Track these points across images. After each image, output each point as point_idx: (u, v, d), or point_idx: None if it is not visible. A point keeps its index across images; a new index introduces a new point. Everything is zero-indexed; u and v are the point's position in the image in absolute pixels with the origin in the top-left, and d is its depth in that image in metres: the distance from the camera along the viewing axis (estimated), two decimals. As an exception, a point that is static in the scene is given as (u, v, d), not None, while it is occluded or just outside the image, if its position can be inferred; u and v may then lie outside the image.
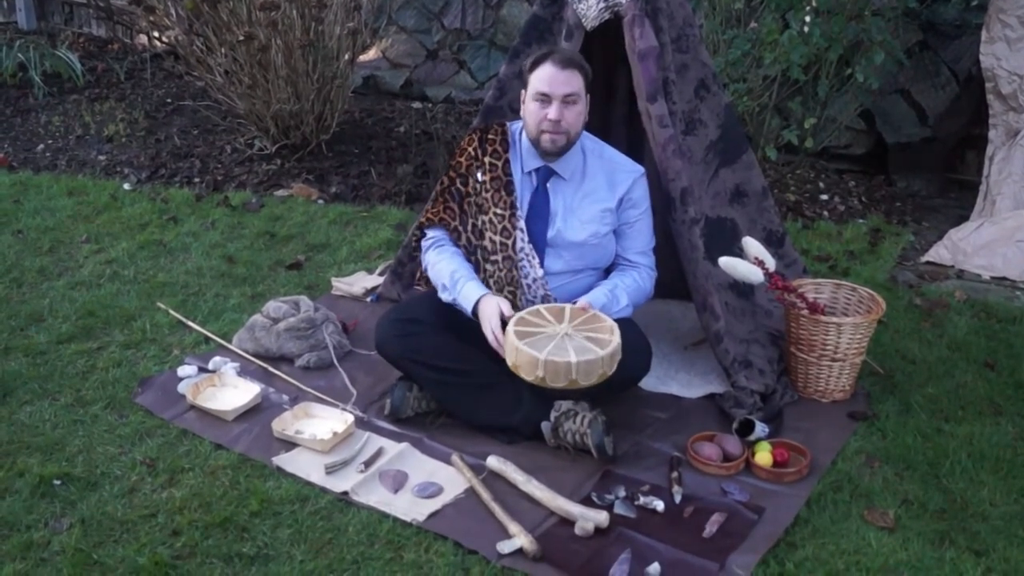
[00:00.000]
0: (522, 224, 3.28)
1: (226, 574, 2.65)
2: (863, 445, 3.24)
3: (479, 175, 3.33)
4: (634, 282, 3.32)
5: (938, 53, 5.59)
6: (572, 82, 3.15)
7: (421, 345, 3.24)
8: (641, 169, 3.37)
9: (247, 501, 2.92)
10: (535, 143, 3.24)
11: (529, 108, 3.21)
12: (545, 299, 3.28)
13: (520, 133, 3.35)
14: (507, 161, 3.32)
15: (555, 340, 2.96)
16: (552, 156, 3.25)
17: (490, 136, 3.36)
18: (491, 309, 3.13)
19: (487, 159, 3.33)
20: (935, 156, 5.69)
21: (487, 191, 3.31)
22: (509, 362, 3.00)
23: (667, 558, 2.68)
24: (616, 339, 2.97)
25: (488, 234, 3.30)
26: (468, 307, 3.19)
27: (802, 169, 5.77)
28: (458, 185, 3.36)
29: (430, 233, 3.41)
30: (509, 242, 3.27)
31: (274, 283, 4.45)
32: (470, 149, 3.37)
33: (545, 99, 3.16)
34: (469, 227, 3.33)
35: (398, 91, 7.50)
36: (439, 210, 3.37)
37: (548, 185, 3.30)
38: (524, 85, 3.25)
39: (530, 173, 3.32)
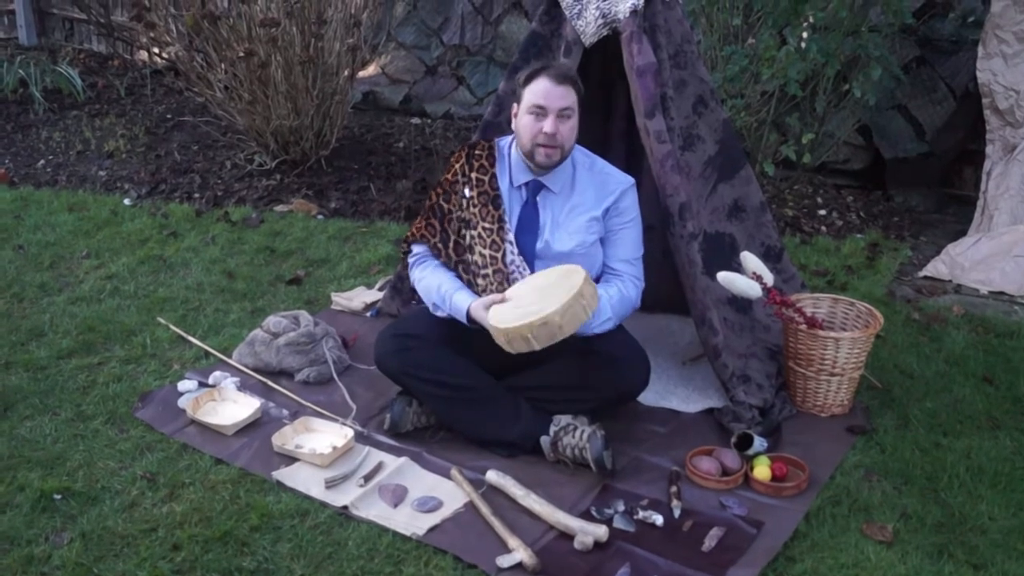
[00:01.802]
0: (511, 237, 3.30)
1: (226, 588, 2.66)
2: (862, 459, 3.24)
3: (466, 191, 3.34)
4: (618, 292, 3.26)
5: (935, 69, 5.62)
6: (567, 97, 3.16)
7: (420, 360, 3.25)
8: (631, 180, 3.36)
9: (247, 515, 2.93)
10: (529, 156, 3.24)
11: (523, 122, 3.21)
12: None
13: (509, 148, 3.36)
14: (493, 176, 3.33)
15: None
16: (544, 170, 3.26)
17: (477, 152, 3.38)
18: (482, 315, 3.13)
19: (474, 175, 3.34)
20: (933, 171, 5.71)
21: (475, 206, 3.32)
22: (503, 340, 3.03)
23: (666, 572, 2.69)
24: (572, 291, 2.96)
25: (478, 248, 3.31)
26: (462, 318, 3.19)
27: (800, 184, 5.79)
28: (441, 202, 3.37)
29: (415, 249, 3.42)
30: (499, 255, 3.28)
31: (274, 298, 4.46)
32: (457, 166, 3.38)
33: (541, 112, 3.16)
34: (451, 245, 3.34)
35: (397, 107, 7.52)
36: (422, 226, 3.38)
37: (538, 198, 3.32)
38: (517, 99, 3.25)
39: (520, 187, 3.33)
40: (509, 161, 3.35)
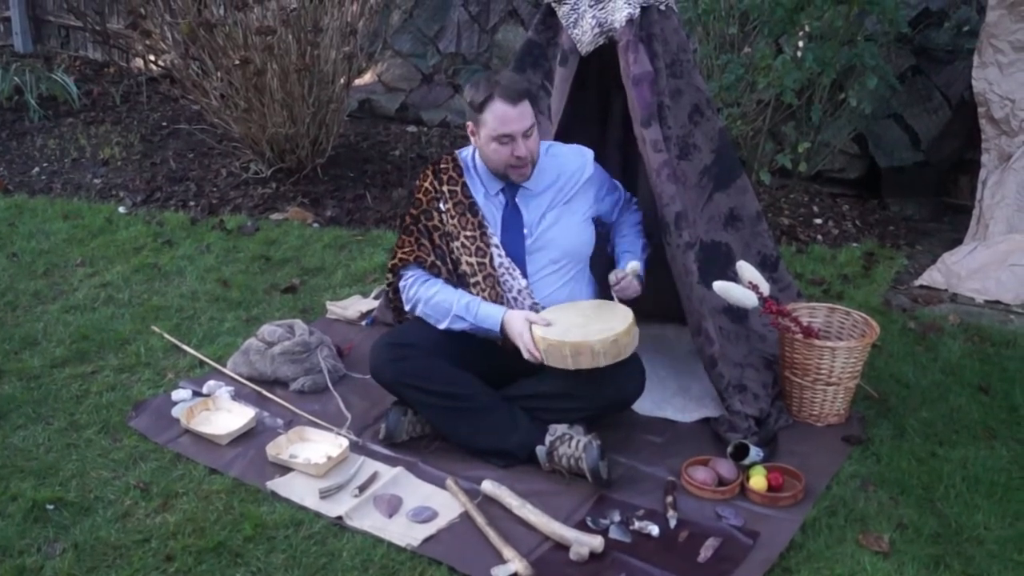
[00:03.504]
0: (496, 240, 3.31)
1: (219, 600, 2.65)
2: (858, 469, 3.24)
3: (441, 205, 3.35)
4: (637, 222, 3.59)
5: (931, 78, 5.62)
6: (526, 114, 3.17)
7: (416, 369, 3.24)
8: (588, 150, 3.46)
9: (241, 526, 2.91)
10: (502, 177, 3.29)
11: (491, 148, 3.21)
12: (533, 309, 3.28)
13: (473, 159, 3.38)
14: (464, 184, 3.35)
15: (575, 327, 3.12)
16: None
17: (443, 166, 3.40)
18: (519, 325, 3.15)
19: (445, 188, 3.35)
20: (928, 180, 5.71)
21: (452, 217, 3.33)
22: (542, 359, 3.11)
23: (662, 583, 2.68)
24: (629, 316, 3.14)
25: (464, 258, 3.31)
26: (495, 327, 3.19)
27: (796, 193, 5.79)
28: (424, 221, 3.36)
29: (407, 272, 3.38)
30: (486, 260, 3.29)
31: (269, 307, 4.45)
32: (427, 184, 3.38)
33: (508, 139, 3.17)
34: (449, 261, 3.34)
35: (393, 115, 7.52)
36: (413, 248, 3.36)
37: (517, 201, 3.34)
38: (473, 121, 3.23)
39: (496, 194, 3.35)
40: (477, 172, 3.37)
